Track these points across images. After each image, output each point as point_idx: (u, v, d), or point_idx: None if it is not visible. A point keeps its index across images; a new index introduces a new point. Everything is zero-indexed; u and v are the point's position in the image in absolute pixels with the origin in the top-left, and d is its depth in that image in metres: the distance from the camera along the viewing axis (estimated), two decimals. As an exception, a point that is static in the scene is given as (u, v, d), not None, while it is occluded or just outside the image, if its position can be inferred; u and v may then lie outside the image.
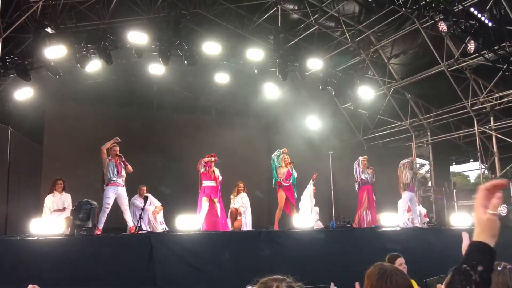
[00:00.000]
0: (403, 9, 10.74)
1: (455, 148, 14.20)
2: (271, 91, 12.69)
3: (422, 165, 15.44)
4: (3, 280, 4.83)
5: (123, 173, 7.83)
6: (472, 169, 16.69)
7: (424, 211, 10.94)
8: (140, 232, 6.98)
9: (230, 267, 6.15)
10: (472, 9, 9.17)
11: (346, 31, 12.53)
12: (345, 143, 15.44)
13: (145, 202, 8.14)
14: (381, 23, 11.97)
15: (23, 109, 10.41)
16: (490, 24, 9.18)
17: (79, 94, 11.95)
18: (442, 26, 9.16)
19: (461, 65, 11.41)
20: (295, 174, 9.11)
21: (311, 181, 10.05)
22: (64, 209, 8.01)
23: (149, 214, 9.23)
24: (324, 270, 6.41)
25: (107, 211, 7.59)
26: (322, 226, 9.61)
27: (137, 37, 9.68)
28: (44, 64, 9.40)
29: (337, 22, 12.47)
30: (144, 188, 9.30)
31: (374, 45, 12.83)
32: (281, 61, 11.20)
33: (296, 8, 12.38)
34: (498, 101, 11.62)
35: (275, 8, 12.13)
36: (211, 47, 10.53)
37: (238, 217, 9.22)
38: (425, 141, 13.82)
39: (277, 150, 9.21)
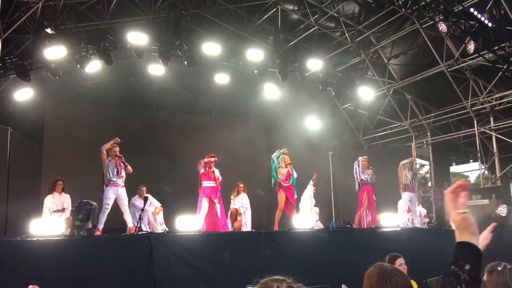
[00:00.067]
0: (403, 10, 10.75)
1: (455, 149, 14.21)
2: (271, 92, 12.69)
3: (422, 166, 15.45)
4: (3, 280, 4.83)
5: (123, 173, 7.84)
6: (472, 170, 16.70)
7: (424, 211, 10.94)
8: (140, 232, 6.97)
9: (230, 268, 6.15)
10: (472, 10, 9.18)
11: (346, 32, 12.54)
12: (345, 144, 15.45)
13: (145, 203, 8.14)
14: (381, 23, 11.98)
15: (23, 110, 10.40)
16: (490, 24, 9.19)
17: (79, 95, 11.93)
18: (442, 27, 9.16)
19: (461, 65, 11.42)
20: (295, 175, 9.11)
21: (311, 182, 10.05)
22: (63, 209, 8.00)
23: (149, 215, 9.23)
24: (324, 271, 6.41)
25: (107, 211, 7.60)
26: (322, 227, 9.61)
27: (137, 37, 9.68)
28: (44, 64, 9.40)
29: (337, 22, 12.48)
30: (144, 188, 9.30)
31: (374, 45, 12.84)
32: (281, 61, 11.21)
33: (296, 8, 12.39)
34: (498, 102, 11.63)
35: (275, 9, 12.14)
36: (211, 48, 10.53)
37: (238, 218, 9.21)
38: (425, 142, 13.83)
39: (277, 151, 9.21)
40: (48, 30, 9.15)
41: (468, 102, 11.95)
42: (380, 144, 14.92)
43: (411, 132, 13.82)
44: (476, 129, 12.16)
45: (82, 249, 5.59)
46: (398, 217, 8.90)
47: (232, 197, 9.48)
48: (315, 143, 14.73)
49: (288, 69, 11.38)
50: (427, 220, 10.65)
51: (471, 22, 9.14)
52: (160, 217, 9.35)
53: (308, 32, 12.66)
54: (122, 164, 7.85)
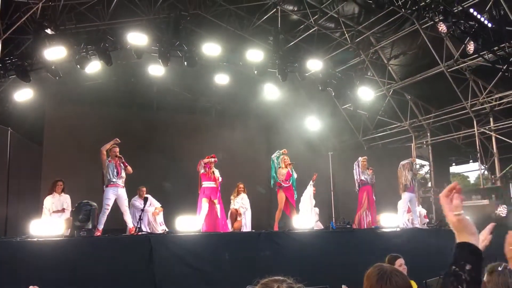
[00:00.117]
0: (403, 10, 10.75)
1: (455, 149, 14.21)
2: (271, 92, 12.70)
3: (422, 166, 15.45)
4: (3, 281, 4.83)
5: (123, 174, 7.84)
6: (472, 170, 16.73)
7: (424, 212, 10.94)
8: (140, 233, 6.97)
9: (230, 268, 6.15)
10: (471, 10, 9.18)
11: (345, 32, 12.55)
12: (345, 144, 15.45)
13: (144, 203, 8.14)
14: (380, 24, 11.98)
15: (22, 110, 10.41)
16: (489, 25, 9.19)
17: (79, 95, 11.94)
18: (442, 27, 9.17)
19: (460, 66, 11.43)
20: (295, 175, 9.12)
21: (311, 182, 10.05)
22: (63, 210, 8.00)
23: (149, 215, 9.23)
24: (324, 271, 6.41)
25: (107, 212, 7.60)
26: (322, 227, 9.61)
27: (137, 38, 9.69)
28: (44, 65, 9.40)
29: (337, 23, 12.48)
30: (144, 189, 9.30)
31: (373, 46, 12.85)
32: (280, 62, 11.21)
33: (295, 9, 12.39)
34: (498, 102, 11.63)
35: (275, 9, 12.14)
36: (211, 48, 10.54)
37: (238, 218, 9.22)
38: (424, 142, 13.83)
39: (277, 151, 9.22)
40: (48, 31, 9.16)
41: (467, 103, 11.95)
42: (380, 144, 14.92)
43: (411, 132, 13.82)
44: (476, 129, 12.16)
45: (82, 250, 5.59)
46: (398, 217, 8.91)
47: (232, 197, 9.49)
48: (315, 144, 14.73)
49: (288, 70, 11.38)
50: (427, 220, 10.65)
51: (471, 23, 9.15)
52: (160, 218, 9.36)
53: (308, 33, 12.66)
54: (122, 164, 7.85)
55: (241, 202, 9.34)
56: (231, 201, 9.46)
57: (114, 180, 7.71)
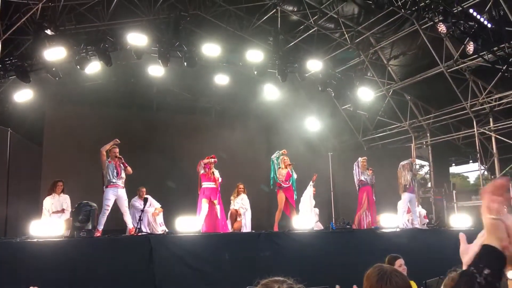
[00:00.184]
0: (402, 11, 10.76)
1: (455, 149, 14.20)
2: (271, 93, 12.70)
3: (422, 166, 15.44)
4: (4, 281, 4.83)
5: (123, 174, 7.84)
6: (471, 170, 16.72)
7: (423, 212, 10.94)
8: (139, 233, 6.97)
9: (230, 269, 6.15)
10: (471, 10, 9.18)
11: (345, 33, 12.55)
12: (345, 144, 15.45)
13: (144, 204, 8.14)
14: (380, 24, 11.98)
15: (22, 111, 10.41)
16: (489, 25, 9.19)
17: (79, 96, 11.94)
18: (441, 28, 9.17)
19: (460, 66, 11.42)
20: (295, 176, 9.12)
21: (311, 183, 10.06)
22: (63, 210, 7.99)
23: (149, 216, 9.23)
24: (323, 271, 6.41)
25: (107, 212, 7.60)
26: (322, 228, 9.61)
27: (136, 38, 9.69)
28: (44, 66, 9.41)
29: (337, 23, 12.48)
30: (144, 189, 9.29)
31: (373, 46, 12.85)
32: (280, 62, 11.22)
33: (295, 9, 12.39)
34: (498, 102, 11.63)
35: (275, 10, 12.14)
36: (210, 49, 10.54)
37: (238, 219, 9.22)
38: (424, 142, 13.83)
39: (277, 152, 9.23)
40: (48, 31, 9.16)
41: (467, 103, 11.95)
42: (379, 145, 14.92)
43: (411, 133, 13.82)
44: (475, 129, 12.16)
45: (82, 250, 5.59)
46: (398, 218, 8.91)
47: (232, 198, 9.49)
48: (314, 144, 14.74)
49: (287, 70, 11.39)
50: (427, 220, 10.64)
51: (471, 23, 9.15)
52: (160, 218, 9.35)
53: (308, 33, 12.66)
54: (122, 165, 7.85)
55: (241, 203, 9.34)
56: (231, 201, 9.46)
57: (114, 180, 7.71)
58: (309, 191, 9.93)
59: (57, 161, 11.12)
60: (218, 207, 8.42)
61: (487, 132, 12.08)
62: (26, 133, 11.27)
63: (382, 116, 14.24)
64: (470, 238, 1.27)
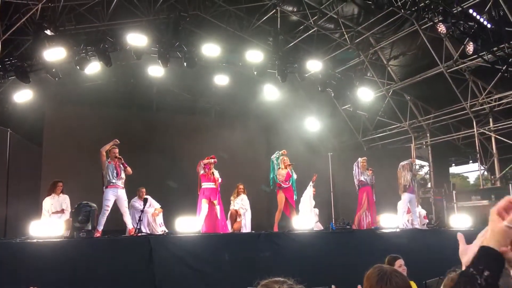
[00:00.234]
0: (402, 11, 10.76)
1: (455, 149, 14.21)
2: (271, 93, 12.71)
3: (422, 167, 15.45)
4: (3, 282, 4.83)
5: (123, 175, 7.84)
6: (471, 170, 16.74)
7: (423, 212, 10.93)
8: (139, 234, 6.97)
9: (230, 269, 6.15)
10: (471, 11, 9.18)
11: (345, 33, 12.55)
12: (345, 145, 15.46)
13: (144, 204, 8.13)
14: (380, 24, 11.99)
15: (22, 111, 10.41)
16: (489, 25, 9.19)
17: (79, 96, 11.94)
18: (441, 28, 9.17)
19: (460, 66, 11.43)
20: (295, 176, 9.12)
21: (310, 183, 10.06)
22: (62, 210, 7.99)
23: (149, 216, 9.22)
24: (323, 272, 6.41)
25: (107, 213, 7.60)
26: (322, 228, 9.60)
27: (136, 39, 9.69)
28: (44, 66, 9.41)
29: (336, 23, 12.49)
30: (144, 190, 9.29)
31: (373, 46, 12.85)
32: (280, 62, 11.22)
33: (295, 10, 12.40)
34: (497, 102, 11.64)
35: (274, 10, 12.15)
36: (210, 49, 10.55)
37: (238, 219, 9.22)
38: (424, 143, 13.83)
39: (277, 152, 9.23)
40: (48, 32, 9.16)
41: (467, 103, 11.96)
42: (379, 145, 14.93)
43: (411, 133, 13.83)
44: (475, 130, 12.16)
45: (82, 251, 5.59)
46: (398, 218, 8.90)
47: (232, 198, 9.48)
48: (314, 144, 14.74)
49: (287, 70, 11.39)
50: (427, 221, 10.63)
51: (470, 23, 9.15)
52: (159, 219, 9.35)
53: (308, 33, 12.67)
54: (121, 165, 7.85)
55: (241, 203, 9.34)
56: (231, 202, 9.46)
57: (113, 181, 7.71)
58: (309, 191, 9.93)
59: (57, 161, 11.11)
60: (218, 208, 8.42)
61: (487, 132, 12.09)
62: (26, 134, 11.27)
63: (382, 116, 14.25)
64: (470, 239, 1.27)
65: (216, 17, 12.43)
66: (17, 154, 10.06)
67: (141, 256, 5.75)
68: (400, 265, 4.38)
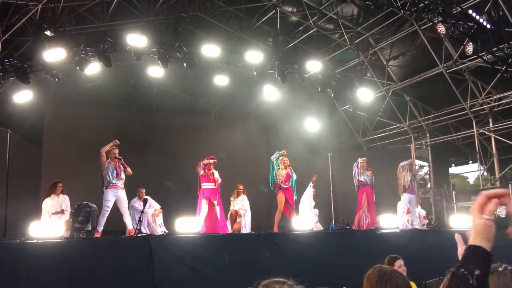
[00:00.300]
0: (402, 11, 10.77)
1: (454, 150, 14.21)
2: (270, 93, 12.71)
3: (421, 167, 15.47)
4: (3, 282, 4.83)
5: (123, 175, 7.84)
6: (471, 171, 16.77)
7: (423, 212, 10.95)
8: (139, 234, 6.97)
9: (230, 270, 6.15)
10: (470, 11, 9.18)
11: (345, 33, 12.56)
12: (344, 145, 15.46)
13: (144, 205, 8.13)
14: (379, 25, 12.00)
15: (22, 112, 10.41)
16: (488, 26, 9.19)
17: (79, 97, 11.94)
18: (441, 28, 9.17)
19: (459, 67, 11.44)
20: (295, 176, 9.13)
21: (310, 183, 10.06)
22: (62, 211, 7.99)
23: (149, 217, 9.22)
24: (323, 272, 6.41)
25: (107, 214, 7.60)
26: (322, 228, 9.61)
27: (136, 39, 9.70)
28: (44, 67, 9.41)
29: (336, 24, 12.50)
30: (143, 190, 9.29)
31: (373, 47, 12.86)
32: (280, 63, 11.23)
33: (295, 10, 12.41)
34: (497, 103, 11.64)
35: (274, 11, 12.15)
36: (210, 50, 10.56)
37: (238, 219, 9.22)
38: (424, 143, 13.84)
39: (276, 152, 9.24)
40: (48, 33, 9.15)
41: (467, 104, 11.96)
42: (379, 145, 14.93)
43: (410, 133, 13.83)
44: (475, 130, 12.16)
45: (81, 251, 5.59)
46: (398, 218, 8.91)
47: (232, 198, 9.49)
48: (314, 145, 14.74)
49: (287, 71, 11.40)
50: (427, 221, 10.65)
51: (470, 24, 9.15)
52: (159, 219, 9.35)
53: (307, 34, 12.67)
54: (121, 166, 7.85)
55: (241, 204, 9.34)
56: (231, 202, 9.46)
57: (113, 181, 7.71)
58: (309, 191, 9.94)
59: (56, 162, 11.11)
60: (217, 208, 8.42)
61: (487, 133, 12.09)
62: (26, 134, 11.27)
63: (381, 117, 14.25)
64: (464, 239, 1.28)
65: (215, 17, 12.44)
66: (17, 154, 10.06)
67: (141, 257, 5.75)
68: (400, 265, 4.39)
